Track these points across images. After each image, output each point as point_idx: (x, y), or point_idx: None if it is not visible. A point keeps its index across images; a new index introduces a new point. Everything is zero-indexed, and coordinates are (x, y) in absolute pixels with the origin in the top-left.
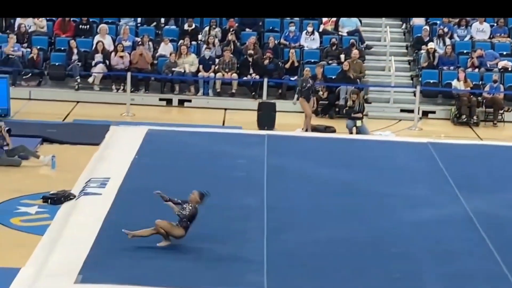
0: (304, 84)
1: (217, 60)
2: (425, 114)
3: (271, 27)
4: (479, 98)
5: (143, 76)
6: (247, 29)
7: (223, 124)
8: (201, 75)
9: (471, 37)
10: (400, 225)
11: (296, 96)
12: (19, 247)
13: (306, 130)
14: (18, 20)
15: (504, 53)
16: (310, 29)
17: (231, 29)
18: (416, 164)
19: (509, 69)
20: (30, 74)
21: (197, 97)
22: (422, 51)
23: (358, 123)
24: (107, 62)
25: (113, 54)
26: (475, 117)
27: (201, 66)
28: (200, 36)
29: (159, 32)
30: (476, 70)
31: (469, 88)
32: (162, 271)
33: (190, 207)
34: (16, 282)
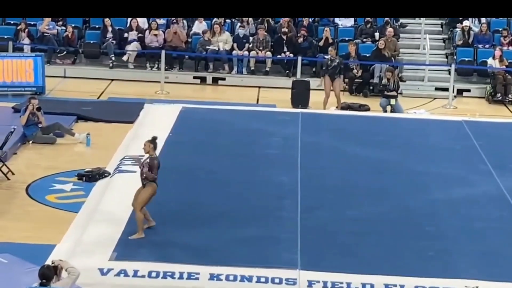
0: (330, 62)
1: (251, 38)
2: (459, 92)
3: None
4: None
5: (177, 54)
6: None
7: (257, 102)
8: (235, 53)
9: None
10: (434, 204)
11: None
12: (54, 224)
13: (342, 108)
14: None
15: None
16: None
17: None
18: (450, 142)
19: None
20: (65, 52)
21: (231, 75)
22: (457, 29)
23: (392, 101)
24: (142, 40)
25: (147, 32)
26: (510, 96)
27: (235, 44)
28: None
29: None
30: (511, 48)
31: (504, 66)
32: (195, 249)
33: (150, 160)
34: (51, 258)
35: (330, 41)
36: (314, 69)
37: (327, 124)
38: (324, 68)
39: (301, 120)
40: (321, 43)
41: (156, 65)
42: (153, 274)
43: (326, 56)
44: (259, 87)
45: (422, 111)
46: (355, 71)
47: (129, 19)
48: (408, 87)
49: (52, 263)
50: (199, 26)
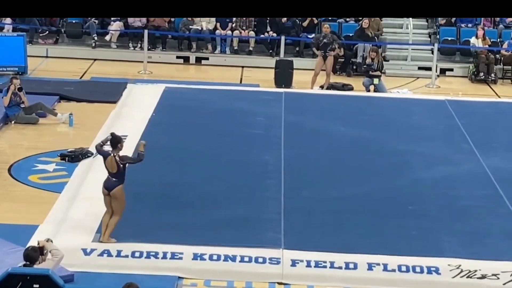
0: (322, 39)
1: (234, 18)
2: (442, 71)
3: None
4: (497, 55)
5: (160, 33)
6: None
7: (241, 81)
8: (218, 32)
9: None
10: (417, 183)
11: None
12: (37, 205)
13: (326, 88)
14: None
15: None
16: None
17: None
18: (433, 121)
19: None
20: (47, 32)
21: (214, 54)
22: None
23: (376, 81)
24: (124, 19)
25: None
26: (492, 75)
27: (218, 24)
28: None
29: None
30: (494, 27)
31: (487, 46)
32: (179, 229)
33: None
34: (34, 239)
35: (316, 21)
36: (297, 49)
37: (310, 104)
38: (313, 42)
39: (284, 100)
40: (304, 24)
41: (139, 45)
42: (137, 254)
43: (310, 36)
44: (243, 67)
45: (405, 91)
46: (337, 50)
47: None
48: (391, 67)
49: (38, 244)
50: None
